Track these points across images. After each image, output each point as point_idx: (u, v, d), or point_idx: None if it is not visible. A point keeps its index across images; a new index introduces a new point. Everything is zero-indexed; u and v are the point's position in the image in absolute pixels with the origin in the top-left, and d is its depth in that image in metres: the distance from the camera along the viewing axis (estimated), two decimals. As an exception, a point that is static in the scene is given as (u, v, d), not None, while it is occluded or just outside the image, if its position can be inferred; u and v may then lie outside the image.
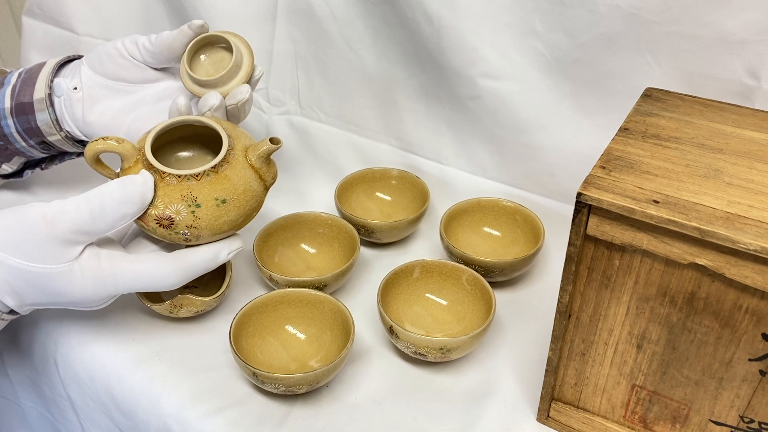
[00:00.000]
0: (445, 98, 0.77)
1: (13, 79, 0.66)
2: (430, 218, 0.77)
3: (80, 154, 0.72)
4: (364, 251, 0.74)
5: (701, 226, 0.38)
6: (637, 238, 0.41)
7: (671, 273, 0.42)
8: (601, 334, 0.48)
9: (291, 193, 0.84)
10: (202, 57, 0.64)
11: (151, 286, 0.53)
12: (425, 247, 0.76)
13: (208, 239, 0.54)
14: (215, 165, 0.53)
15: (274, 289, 0.64)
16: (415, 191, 0.78)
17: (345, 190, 0.78)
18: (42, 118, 0.65)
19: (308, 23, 0.82)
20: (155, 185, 0.51)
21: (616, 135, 0.48)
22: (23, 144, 0.67)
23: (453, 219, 0.72)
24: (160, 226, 0.52)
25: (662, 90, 0.54)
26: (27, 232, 0.49)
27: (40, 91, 0.64)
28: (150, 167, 0.52)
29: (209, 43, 0.64)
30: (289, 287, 0.63)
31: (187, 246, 0.55)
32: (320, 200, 0.82)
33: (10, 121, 0.65)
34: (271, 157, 0.56)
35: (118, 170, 0.56)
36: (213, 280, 0.67)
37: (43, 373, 0.68)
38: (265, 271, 0.65)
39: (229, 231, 0.55)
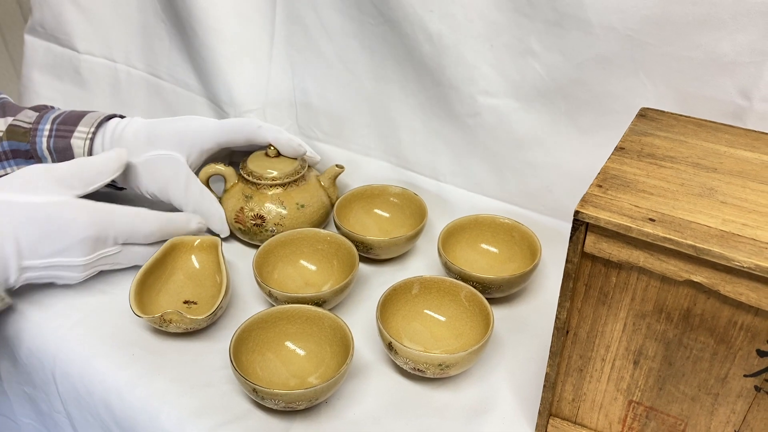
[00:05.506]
0: (444, 116, 0.78)
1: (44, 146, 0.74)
2: (427, 235, 0.78)
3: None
4: (362, 267, 0.75)
5: (696, 244, 0.39)
6: (633, 256, 0.42)
7: (667, 290, 0.43)
8: (598, 350, 0.48)
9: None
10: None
11: (136, 228, 0.68)
12: (423, 264, 0.76)
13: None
14: (297, 179, 0.75)
15: (274, 306, 0.64)
16: (413, 208, 0.79)
17: (343, 207, 0.78)
18: None
19: (305, 44, 0.83)
20: (253, 193, 0.74)
21: (612, 154, 0.49)
22: None
23: (451, 235, 0.72)
24: (255, 225, 0.73)
25: (657, 110, 0.55)
26: (33, 175, 0.66)
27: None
28: (247, 182, 0.75)
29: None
30: (288, 303, 0.63)
31: None
32: (319, 217, 0.82)
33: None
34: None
35: (221, 193, 0.77)
36: (214, 300, 0.67)
37: (42, 389, 0.68)
38: (264, 287, 0.65)
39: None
